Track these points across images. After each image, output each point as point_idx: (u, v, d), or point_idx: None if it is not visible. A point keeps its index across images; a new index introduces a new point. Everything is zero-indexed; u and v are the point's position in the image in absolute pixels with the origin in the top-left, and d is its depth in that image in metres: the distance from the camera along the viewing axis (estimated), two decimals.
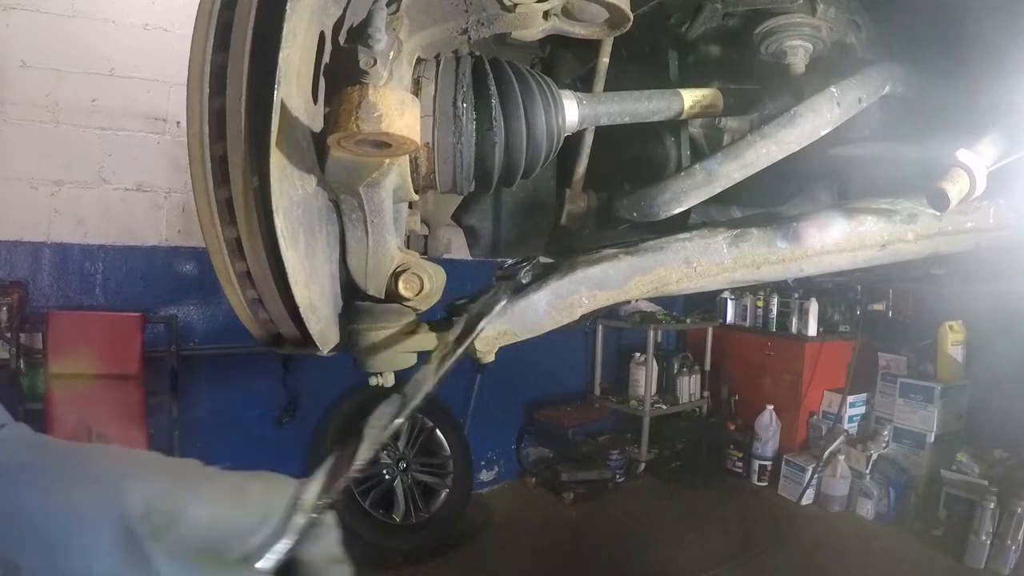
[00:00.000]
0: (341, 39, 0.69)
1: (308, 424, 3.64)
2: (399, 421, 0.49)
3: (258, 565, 0.36)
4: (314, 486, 0.40)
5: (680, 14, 1.05)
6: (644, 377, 4.59)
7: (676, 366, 4.92)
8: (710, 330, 5.00)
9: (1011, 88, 0.85)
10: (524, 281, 0.79)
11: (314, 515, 0.39)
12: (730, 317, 5.05)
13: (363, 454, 0.44)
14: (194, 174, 0.64)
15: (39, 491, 0.33)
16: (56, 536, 0.32)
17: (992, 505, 3.35)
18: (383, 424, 0.47)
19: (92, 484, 0.33)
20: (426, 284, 0.77)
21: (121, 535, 0.32)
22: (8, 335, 2.86)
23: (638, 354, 4.75)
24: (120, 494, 0.33)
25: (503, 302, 0.72)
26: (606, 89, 1.03)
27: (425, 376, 0.54)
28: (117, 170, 3.26)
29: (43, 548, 0.32)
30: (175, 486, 0.36)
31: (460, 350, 0.60)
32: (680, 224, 0.98)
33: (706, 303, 5.09)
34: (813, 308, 4.53)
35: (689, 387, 4.90)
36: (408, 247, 0.98)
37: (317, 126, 0.65)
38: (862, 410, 4.40)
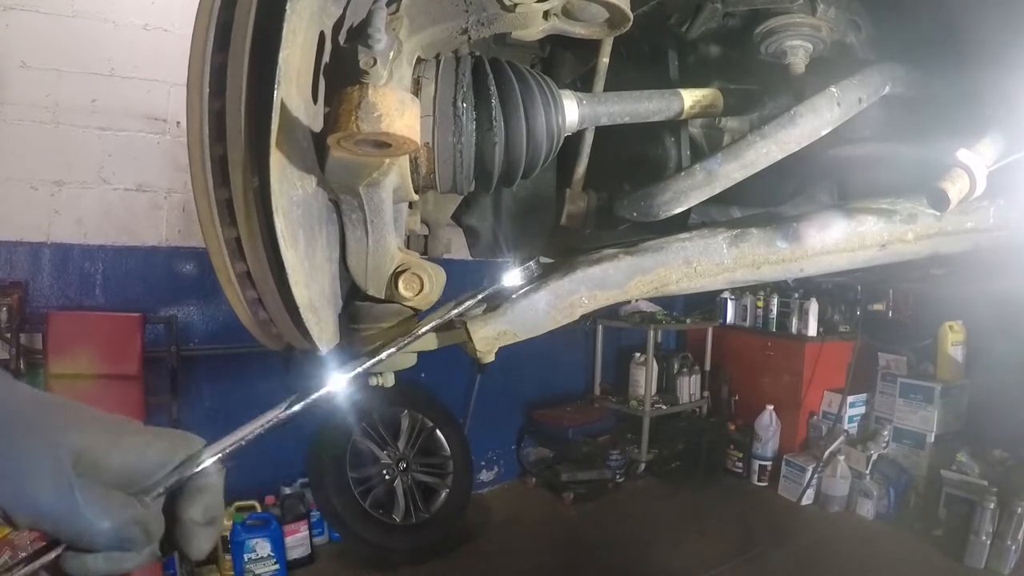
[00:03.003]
0: (341, 39, 0.68)
1: (308, 424, 3.63)
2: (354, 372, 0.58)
3: (148, 497, 0.47)
4: (215, 448, 0.50)
5: (680, 14, 1.05)
6: (644, 377, 4.59)
7: (676, 366, 4.92)
8: (710, 330, 5.00)
9: (1011, 88, 0.85)
10: (517, 283, 0.80)
11: (197, 469, 0.48)
12: (730, 317, 5.05)
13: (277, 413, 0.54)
14: (194, 174, 0.64)
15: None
16: (14, 473, 0.42)
17: (992, 505, 3.35)
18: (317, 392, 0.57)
19: (38, 434, 0.44)
20: (426, 284, 0.77)
21: (57, 473, 0.43)
22: (8, 335, 2.86)
23: (638, 354, 4.75)
24: (59, 441, 0.44)
25: (485, 292, 0.74)
26: (606, 89, 1.03)
27: (392, 342, 0.64)
28: (117, 170, 3.26)
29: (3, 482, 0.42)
30: (101, 437, 0.46)
31: (427, 329, 0.68)
32: (680, 224, 0.98)
33: (706, 303, 5.09)
34: (813, 308, 4.53)
35: (689, 387, 4.90)
36: (408, 247, 0.98)
37: (317, 126, 0.65)
38: (862, 410, 4.40)
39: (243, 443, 0.52)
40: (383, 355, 0.62)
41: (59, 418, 0.47)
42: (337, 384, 0.58)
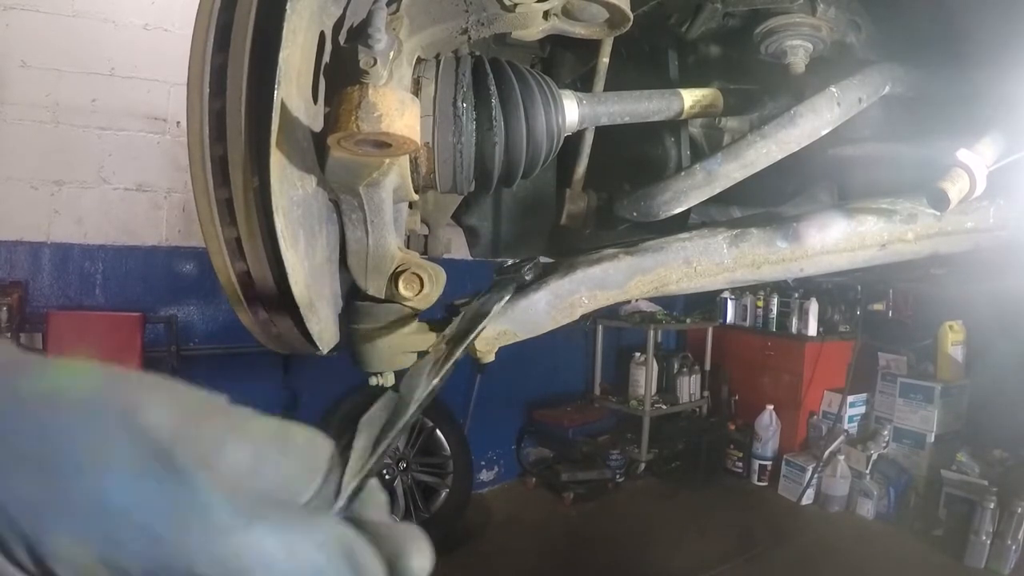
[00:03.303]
0: (341, 39, 0.69)
1: (308, 424, 3.63)
2: (398, 427, 0.40)
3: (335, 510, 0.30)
4: (353, 454, 0.34)
5: (680, 14, 1.05)
6: (644, 377, 4.58)
7: (676, 366, 4.92)
8: (710, 330, 5.00)
9: (1011, 88, 0.85)
10: (527, 278, 0.79)
11: (364, 476, 0.33)
12: (730, 317, 5.05)
13: (359, 457, 0.36)
14: (194, 174, 0.64)
15: (22, 402, 0.26)
16: (53, 450, 0.24)
17: (992, 505, 3.35)
18: (378, 426, 0.40)
19: (99, 398, 0.26)
20: (426, 284, 0.77)
21: (155, 452, 0.25)
22: (8, 335, 2.86)
23: (638, 354, 4.75)
24: (142, 416, 0.26)
25: (504, 300, 0.71)
26: (606, 89, 1.03)
27: (419, 376, 0.47)
28: (117, 170, 3.26)
29: (36, 466, 0.24)
30: (210, 416, 0.29)
31: (458, 351, 0.55)
32: (680, 224, 0.98)
33: (706, 303, 5.09)
34: (813, 308, 4.53)
35: (689, 387, 4.90)
36: (408, 247, 0.98)
37: (317, 126, 0.65)
38: (862, 410, 4.40)
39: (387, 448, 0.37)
40: (457, 353, 0.55)
41: (125, 382, 0.28)
42: (425, 390, 0.47)
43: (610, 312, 4.71)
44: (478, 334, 0.65)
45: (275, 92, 0.57)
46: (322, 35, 0.66)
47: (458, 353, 0.54)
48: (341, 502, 0.31)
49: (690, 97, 0.93)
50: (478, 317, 0.65)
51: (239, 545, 0.24)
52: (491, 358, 0.82)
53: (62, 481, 0.24)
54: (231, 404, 0.31)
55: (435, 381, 0.46)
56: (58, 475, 0.24)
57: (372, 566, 0.28)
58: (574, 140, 1.02)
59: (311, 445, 0.32)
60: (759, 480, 4.52)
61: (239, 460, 0.27)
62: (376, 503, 0.34)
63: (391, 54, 0.58)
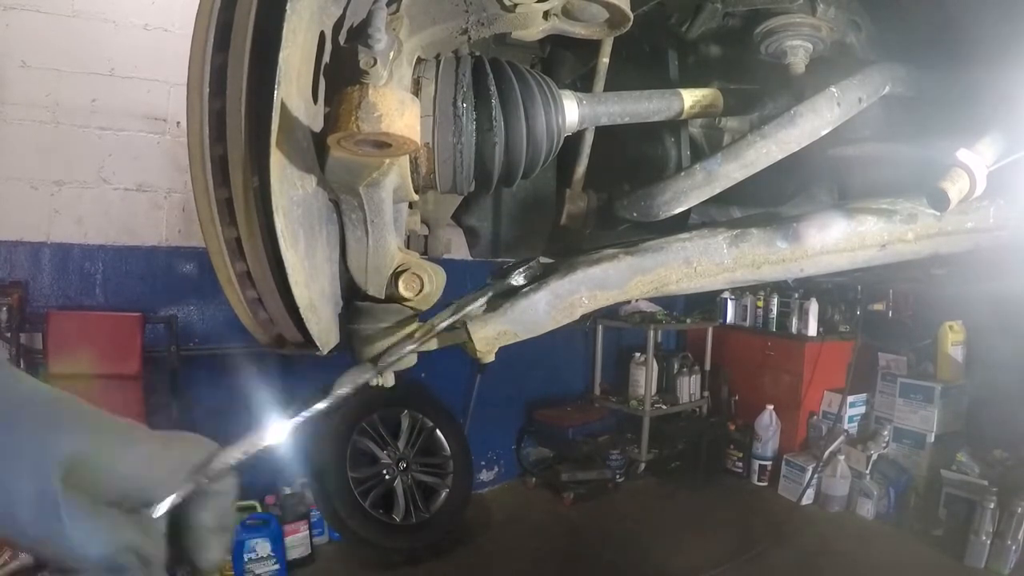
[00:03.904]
0: (341, 39, 0.69)
1: (308, 424, 3.63)
2: (350, 388, 0.57)
3: (151, 512, 0.42)
4: (230, 453, 0.46)
5: (680, 14, 1.05)
6: (644, 377, 4.58)
7: (676, 366, 4.92)
8: (710, 330, 5.00)
9: (1011, 88, 0.85)
10: (515, 283, 0.80)
11: (208, 478, 0.44)
12: (730, 317, 5.05)
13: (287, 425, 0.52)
14: (194, 174, 0.64)
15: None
16: None
17: (992, 505, 3.35)
18: (346, 387, 0.55)
19: (29, 436, 0.39)
20: (426, 284, 0.77)
21: (41, 493, 0.37)
22: (8, 335, 2.86)
23: (638, 354, 4.75)
24: (51, 448, 0.39)
25: (488, 295, 0.73)
26: (606, 89, 1.03)
27: (399, 351, 0.62)
28: (117, 170, 3.26)
29: None
30: (105, 443, 0.41)
31: (432, 332, 0.66)
32: (680, 224, 0.98)
33: (706, 303, 5.09)
34: (813, 308, 4.53)
35: (689, 387, 4.90)
36: (408, 247, 0.98)
37: (317, 126, 0.65)
38: (862, 410, 4.40)
39: (261, 448, 0.49)
40: (403, 353, 0.61)
41: (57, 418, 0.41)
42: (350, 388, 0.56)
43: (610, 312, 4.71)
44: (454, 321, 0.71)
45: (275, 92, 0.57)
46: (322, 35, 0.66)
47: (430, 335, 0.67)
48: (167, 501, 0.42)
49: (690, 97, 0.93)
50: (460, 308, 0.71)
51: (55, 528, 0.38)
52: (491, 358, 0.82)
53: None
54: (133, 427, 0.44)
55: (402, 358, 0.62)
56: None
57: (153, 557, 0.41)
58: (574, 140, 1.02)
59: (183, 455, 0.44)
60: (759, 480, 4.52)
61: (116, 474, 0.40)
62: (219, 506, 0.45)
63: (391, 54, 0.58)
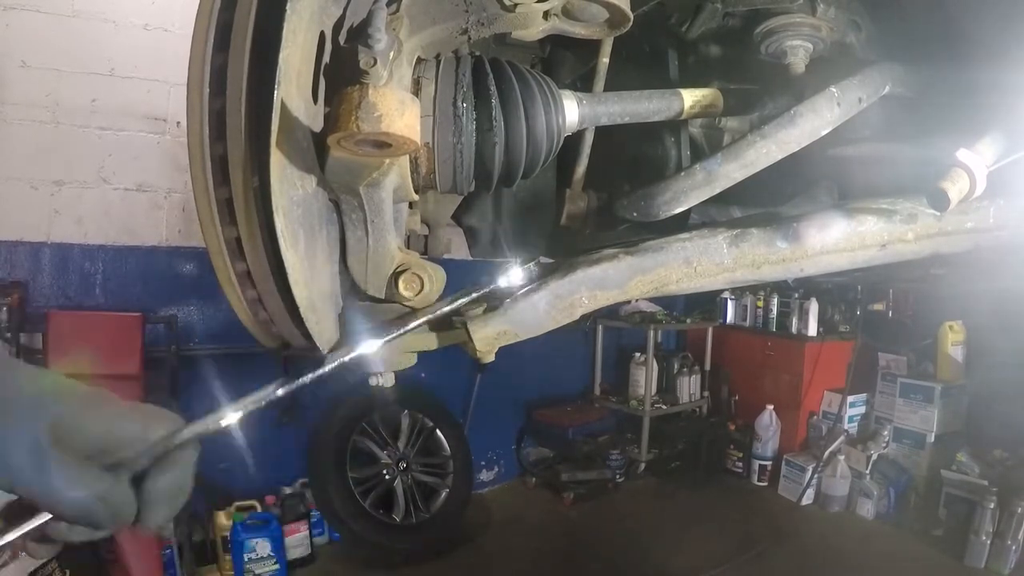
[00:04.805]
0: (341, 39, 0.69)
1: (308, 424, 3.63)
2: (330, 367, 0.58)
3: (121, 470, 0.47)
4: (194, 426, 0.51)
5: (680, 14, 1.05)
6: (644, 377, 4.59)
7: (676, 366, 4.92)
8: (710, 330, 5.00)
9: (1011, 88, 0.85)
10: (515, 283, 0.80)
11: (174, 445, 0.49)
12: (730, 317, 5.05)
13: (263, 393, 0.54)
14: (194, 174, 0.65)
15: None
16: None
17: (992, 505, 3.35)
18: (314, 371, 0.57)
19: (22, 403, 0.46)
20: (426, 284, 0.77)
21: (31, 444, 0.44)
22: (8, 335, 2.86)
23: (638, 354, 4.75)
24: (39, 411, 0.45)
25: (484, 291, 0.73)
26: (606, 89, 1.03)
27: (382, 332, 0.64)
28: (117, 170, 3.26)
29: None
30: (82, 406, 0.48)
31: (420, 321, 0.69)
32: (680, 224, 0.98)
33: (706, 303, 5.09)
34: (813, 308, 4.53)
35: (689, 387, 4.90)
36: (408, 247, 0.98)
37: (317, 126, 0.65)
38: (862, 410, 4.40)
39: (222, 425, 0.52)
40: (378, 344, 0.62)
41: (44, 383, 0.48)
42: (325, 369, 0.57)
43: (610, 312, 4.71)
44: (442, 312, 0.72)
45: (275, 92, 0.57)
46: (322, 35, 0.66)
47: (418, 323, 0.68)
48: (135, 464, 0.48)
49: (690, 97, 0.93)
50: (453, 300, 0.72)
51: (44, 477, 0.44)
52: (491, 358, 0.82)
53: None
54: (107, 394, 0.50)
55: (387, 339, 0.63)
56: None
57: (122, 503, 0.47)
58: (574, 140, 1.02)
59: (148, 420, 0.50)
60: (759, 480, 4.52)
61: (93, 433, 0.47)
62: (178, 472, 0.50)
63: (391, 54, 0.58)
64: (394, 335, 0.65)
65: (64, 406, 0.47)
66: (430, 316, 0.70)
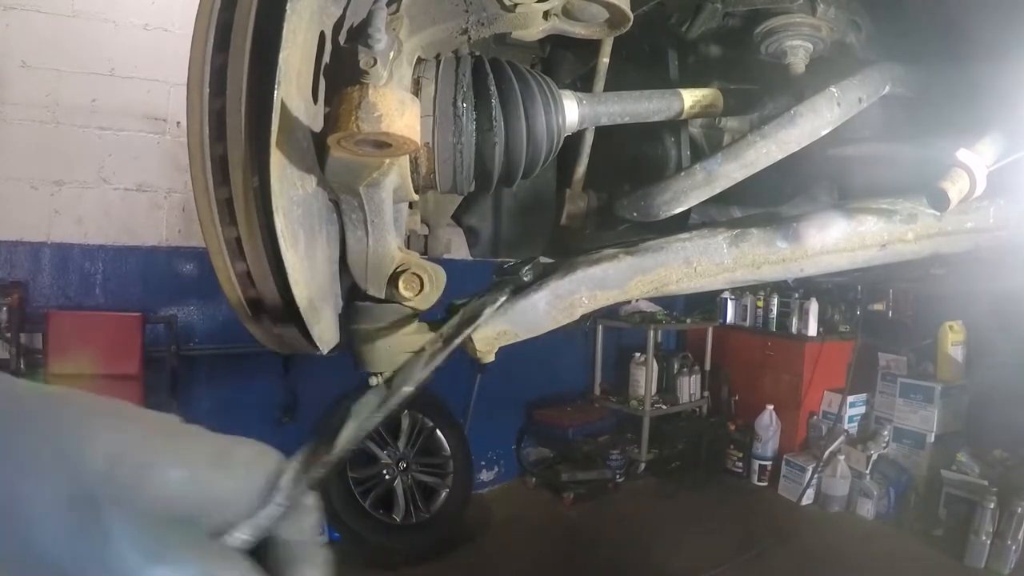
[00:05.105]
0: (341, 39, 0.69)
1: (308, 424, 3.63)
2: (383, 413, 0.48)
3: (230, 541, 0.32)
4: (296, 465, 0.38)
5: (680, 14, 1.05)
6: (644, 377, 4.59)
7: (676, 366, 4.92)
8: (710, 330, 5.00)
9: (1011, 88, 0.85)
10: (525, 279, 0.79)
11: (295, 494, 0.36)
12: (730, 317, 5.05)
13: (344, 440, 0.43)
14: (194, 174, 0.64)
15: None
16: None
17: (992, 505, 3.35)
18: (368, 412, 0.46)
19: (43, 433, 0.28)
20: (426, 284, 0.77)
21: (73, 498, 0.27)
22: (8, 335, 2.86)
23: (638, 354, 4.75)
24: (80, 446, 0.28)
25: (499, 302, 0.72)
26: (606, 89, 1.03)
27: (413, 369, 0.54)
28: (117, 170, 3.26)
29: None
30: (148, 439, 0.31)
31: (451, 347, 0.59)
32: (680, 224, 0.97)
33: (706, 303, 5.09)
34: (813, 308, 4.53)
35: (689, 387, 4.90)
36: (408, 247, 0.98)
37: (317, 126, 0.65)
38: (862, 410, 4.40)
39: (346, 454, 0.42)
40: (450, 347, 0.59)
41: (78, 409, 0.31)
42: (415, 382, 0.51)
43: (610, 312, 4.71)
44: (470, 333, 0.68)
45: (275, 92, 0.57)
46: (322, 35, 0.66)
47: (449, 350, 0.60)
48: (244, 535, 0.33)
49: (690, 97, 0.93)
50: (472, 316, 0.67)
51: (98, 550, 0.27)
52: (491, 358, 0.82)
53: None
54: (181, 424, 0.34)
55: (423, 375, 0.50)
56: None
57: None
58: (574, 140, 1.01)
59: (251, 463, 0.34)
60: (759, 480, 4.52)
61: (169, 481, 0.30)
62: (308, 522, 0.37)
63: (391, 54, 0.58)
64: (467, 332, 0.64)
65: (122, 435, 0.30)
66: (461, 338, 0.65)
